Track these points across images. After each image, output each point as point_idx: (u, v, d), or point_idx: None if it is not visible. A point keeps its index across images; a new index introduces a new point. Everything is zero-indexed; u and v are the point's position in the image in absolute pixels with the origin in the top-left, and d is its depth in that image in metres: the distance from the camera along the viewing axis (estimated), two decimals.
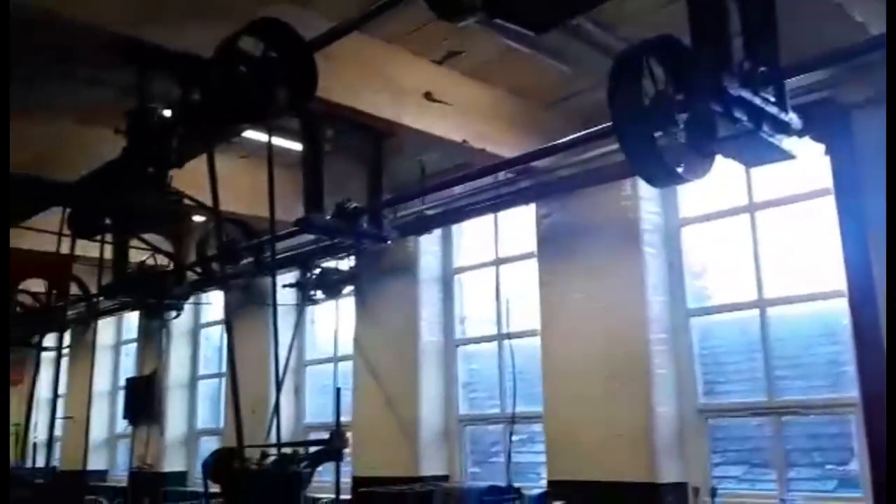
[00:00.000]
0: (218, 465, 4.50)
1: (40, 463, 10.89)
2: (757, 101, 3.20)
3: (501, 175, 7.02)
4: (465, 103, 6.45)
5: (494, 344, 8.01)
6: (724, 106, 3.08)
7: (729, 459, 6.42)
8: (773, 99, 3.31)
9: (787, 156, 3.40)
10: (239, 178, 7.45)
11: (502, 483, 6.17)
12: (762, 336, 6.18)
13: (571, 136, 5.86)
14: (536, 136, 6.65)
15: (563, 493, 6.02)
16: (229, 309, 6.57)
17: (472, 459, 8.18)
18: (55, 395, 7.78)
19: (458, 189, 7.37)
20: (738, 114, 3.12)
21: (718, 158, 3.43)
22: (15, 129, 6.85)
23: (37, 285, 9.71)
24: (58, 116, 6.96)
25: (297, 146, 6.56)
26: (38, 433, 12.29)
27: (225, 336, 11.49)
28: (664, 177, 3.29)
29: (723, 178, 5.85)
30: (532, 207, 7.43)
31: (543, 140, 6.36)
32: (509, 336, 7.54)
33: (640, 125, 3.12)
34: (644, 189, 6.63)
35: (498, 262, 8.16)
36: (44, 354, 9.88)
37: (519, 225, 7.83)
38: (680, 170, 3.23)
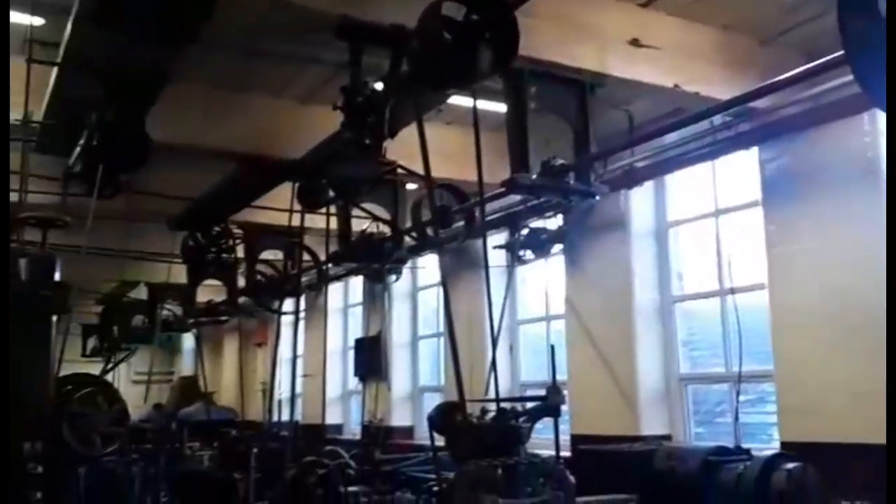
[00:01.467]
0: (442, 418, 4.69)
1: (284, 417, 12.01)
2: None
3: (717, 119, 6.58)
4: (674, 46, 6.11)
5: (716, 300, 7.61)
6: None
7: None
8: None
9: None
10: (447, 143, 7.65)
11: (729, 444, 5.88)
12: None
13: (796, 71, 5.34)
14: (754, 75, 6.16)
15: (799, 454, 5.61)
16: (445, 271, 6.79)
17: (695, 420, 7.89)
18: (295, 355, 8.50)
19: (669, 138, 7.02)
20: None
21: None
22: (243, 111, 7.56)
23: (274, 256, 10.64)
24: (282, 96, 7.53)
25: (502, 107, 6.59)
26: (282, 390, 13.58)
27: (441, 298, 12.04)
28: None
29: None
30: (753, 152, 6.91)
31: (762, 78, 5.85)
32: (732, 291, 7.11)
33: (878, 51, 2.75)
34: (885, 123, 5.92)
35: (717, 212, 7.70)
36: (283, 318, 10.87)
37: (739, 172, 7.32)
38: None
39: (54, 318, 5.23)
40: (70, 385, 5.80)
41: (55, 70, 6.13)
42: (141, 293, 13.55)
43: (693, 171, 7.60)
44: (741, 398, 6.75)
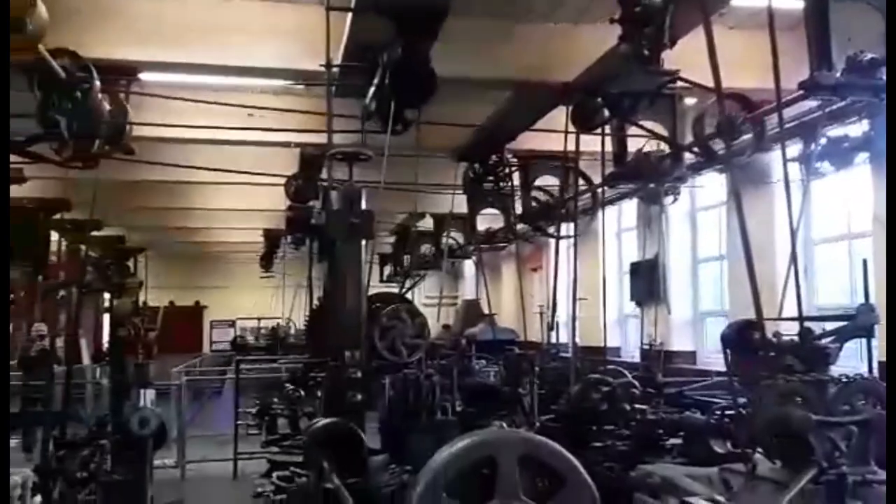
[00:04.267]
0: (737, 335, 4.52)
1: (562, 339, 12.29)
2: None
3: None
4: None
5: None
6: None
7: None
8: None
9: None
10: (730, 50, 7.09)
11: None
12: None
13: None
14: None
15: None
16: (736, 185, 6.40)
17: None
18: (575, 278, 8.63)
19: None
20: None
21: None
22: (517, 38, 7.66)
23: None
24: (553, 20, 7.50)
25: (794, 4, 5.96)
26: (558, 313, 13.87)
27: (723, 219, 11.42)
28: None
29: None
30: None
31: None
32: None
33: None
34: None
35: None
36: (559, 243, 11.04)
37: None
38: None
39: (363, 242, 5.83)
40: (377, 302, 6.47)
41: (349, 16, 6.69)
42: (427, 223, 14.59)
43: None
44: None
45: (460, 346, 10.55)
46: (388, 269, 17.01)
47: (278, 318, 21.46)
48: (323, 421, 4.65)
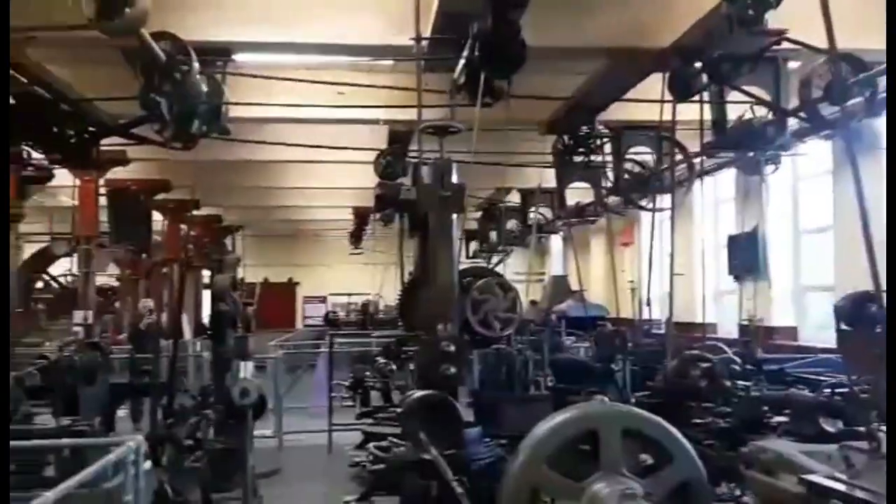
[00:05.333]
0: (854, 307, 4.27)
1: (654, 315, 11.94)
2: None
3: None
4: None
5: None
6: None
7: None
8: None
9: None
10: (840, 8, 6.70)
11: None
12: None
13: None
14: None
15: None
16: (852, 150, 6.02)
17: None
18: (672, 252, 8.37)
19: None
20: None
21: None
22: (609, 4, 7.41)
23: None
24: None
25: None
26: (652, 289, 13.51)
27: (827, 189, 10.83)
28: None
29: None
30: None
31: None
32: None
33: None
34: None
35: None
36: (651, 217, 10.74)
37: None
38: None
39: (454, 216, 5.80)
40: (469, 276, 6.43)
41: None
42: (514, 198, 14.47)
43: None
44: None
45: (550, 321, 10.47)
46: (473, 246, 17.00)
47: (368, 293, 21.84)
48: (419, 393, 4.67)
